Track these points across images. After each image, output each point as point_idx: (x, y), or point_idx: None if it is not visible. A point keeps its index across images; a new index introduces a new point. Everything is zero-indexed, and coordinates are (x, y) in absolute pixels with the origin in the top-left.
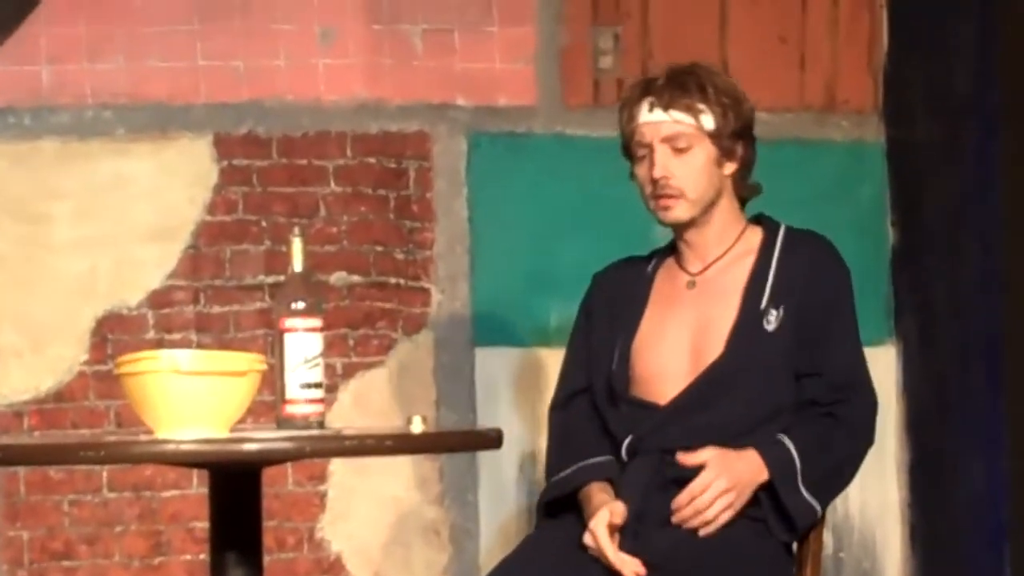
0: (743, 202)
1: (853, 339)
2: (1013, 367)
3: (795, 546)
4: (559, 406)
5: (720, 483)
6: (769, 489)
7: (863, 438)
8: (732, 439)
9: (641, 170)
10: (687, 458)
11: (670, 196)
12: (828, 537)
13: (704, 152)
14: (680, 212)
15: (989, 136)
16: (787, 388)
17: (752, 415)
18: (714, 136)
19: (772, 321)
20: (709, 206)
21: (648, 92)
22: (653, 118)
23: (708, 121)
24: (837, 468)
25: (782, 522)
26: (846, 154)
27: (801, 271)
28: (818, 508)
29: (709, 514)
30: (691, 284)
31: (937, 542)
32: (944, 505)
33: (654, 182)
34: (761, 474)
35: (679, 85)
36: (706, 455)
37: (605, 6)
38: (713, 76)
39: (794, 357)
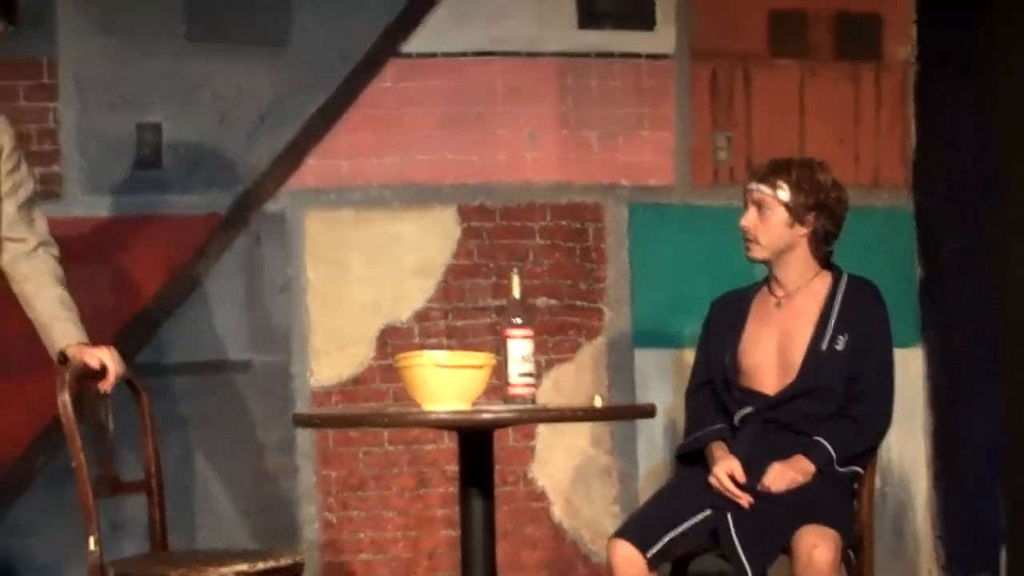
0: (822, 256)
1: (885, 360)
2: (1005, 361)
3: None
4: (691, 392)
5: (781, 486)
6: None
7: (876, 432)
8: (810, 422)
9: (742, 220)
10: (768, 481)
11: (748, 240)
12: (877, 478)
13: (778, 214)
14: (754, 253)
15: (986, 202)
16: (844, 389)
17: (825, 407)
18: (786, 205)
19: (840, 343)
20: (782, 252)
21: (755, 171)
22: (751, 186)
23: (784, 193)
24: (862, 451)
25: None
26: (886, 217)
27: (858, 309)
28: (859, 469)
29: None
30: (778, 304)
31: (951, 482)
32: (956, 457)
33: (742, 230)
34: (811, 467)
35: (773, 167)
36: (773, 471)
37: (720, 118)
38: (805, 168)
39: (848, 368)
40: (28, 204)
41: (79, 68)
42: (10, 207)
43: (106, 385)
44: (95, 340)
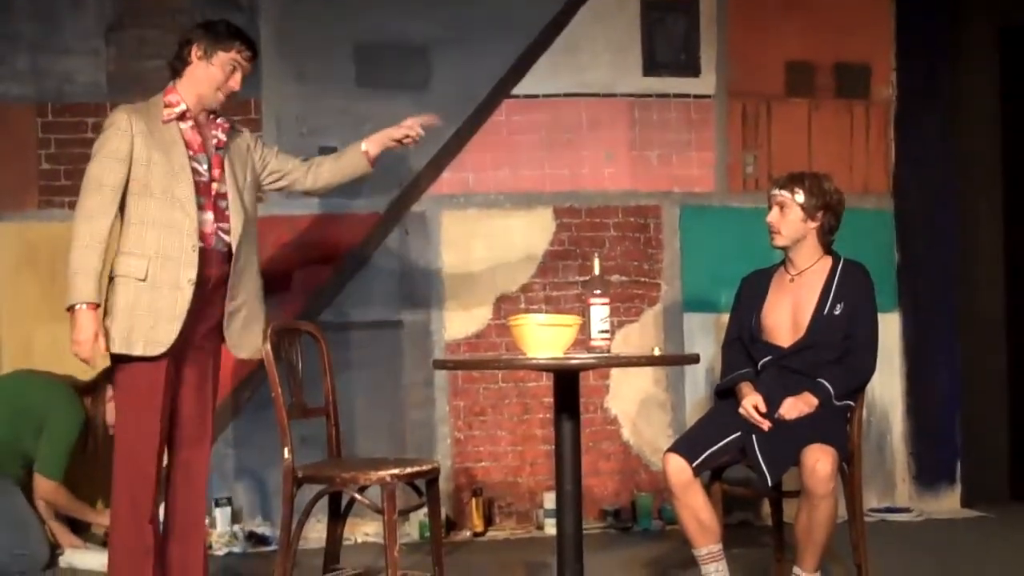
0: (826, 244)
1: (872, 322)
2: (960, 323)
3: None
4: (726, 345)
5: (793, 415)
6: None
7: (864, 376)
8: (815, 368)
9: (767, 217)
10: (783, 411)
11: (773, 232)
12: (864, 410)
13: (795, 212)
14: (777, 241)
15: (948, 205)
16: (841, 343)
17: (826, 357)
18: (801, 206)
19: (838, 309)
20: (797, 241)
21: (777, 180)
22: (774, 192)
23: (799, 197)
24: (854, 390)
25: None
26: (873, 215)
27: (852, 284)
28: (851, 403)
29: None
30: (792, 280)
31: (920, 413)
32: (924, 394)
33: (768, 224)
34: (815, 401)
35: (791, 178)
36: (786, 403)
37: (749, 141)
38: (815, 178)
39: (844, 328)
40: (278, 152)
41: (278, 106)
42: (272, 157)
43: (415, 133)
44: (289, 304)
